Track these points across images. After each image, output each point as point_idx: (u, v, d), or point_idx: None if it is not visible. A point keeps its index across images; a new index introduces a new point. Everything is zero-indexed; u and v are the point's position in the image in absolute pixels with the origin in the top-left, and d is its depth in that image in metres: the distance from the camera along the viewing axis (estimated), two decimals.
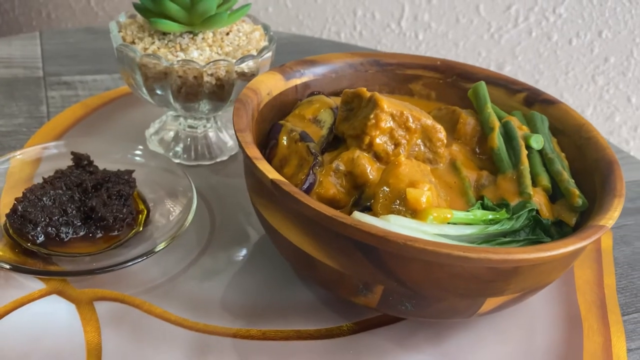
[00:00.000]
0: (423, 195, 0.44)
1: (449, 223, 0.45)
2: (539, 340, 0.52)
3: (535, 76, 1.32)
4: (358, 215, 0.44)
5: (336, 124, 0.55)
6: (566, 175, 0.52)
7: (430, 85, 0.66)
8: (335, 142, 0.55)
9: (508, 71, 1.32)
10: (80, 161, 0.58)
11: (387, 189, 0.46)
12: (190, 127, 0.67)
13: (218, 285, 0.53)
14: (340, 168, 0.51)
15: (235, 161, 0.69)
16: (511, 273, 0.43)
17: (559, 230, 0.50)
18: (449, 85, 0.65)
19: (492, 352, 0.51)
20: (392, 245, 0.41)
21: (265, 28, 0.67)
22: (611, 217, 0.46)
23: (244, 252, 0.57)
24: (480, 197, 0.51)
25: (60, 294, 0.51)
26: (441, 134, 0.52)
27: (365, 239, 0.42)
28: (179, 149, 0.67)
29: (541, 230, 0.49)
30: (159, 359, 0.47)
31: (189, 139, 0.68)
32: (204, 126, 0.68)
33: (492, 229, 0.46)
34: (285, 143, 0.54)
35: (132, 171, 0.58)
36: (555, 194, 0.53)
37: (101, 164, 0.60)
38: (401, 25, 1.36)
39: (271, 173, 0.45)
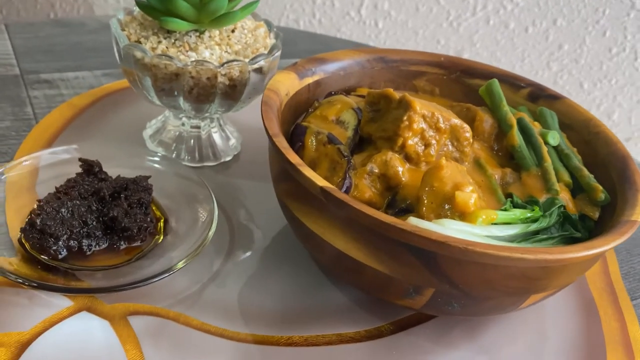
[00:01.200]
0: (471, 198, 0.45)
1: (492, 223, 0.46)
2: (563, 329, 0.54)
3: (492, 63, 1.35)
4: (414, 221, 0.44)
5: (361, 125, 0.54)
6: (586, 170, 0.54)
7: (434, 81, 0.67)
8: (359, 143, 0.55)
9: (466, 58, 1.35)
10: (92, 168, 0.55)
11: (433, 192, 0.46)
12: (194, 127, 0.65)
13: (249, 292, 0.53)
14: (375, 170, 0.51)
15: (238, 161, 0.68)
16: (558, 270, 0.45)
17: (584, 225, 0.52)
18: (453, 82, 0.66)
19: (524, 344, 0.52)
20: (453, 250, 0.41)
21: (268, 24, 0.65)
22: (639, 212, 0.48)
23: (268, 255, 0.57)
24: (508, 195, 0.52)
25: (91, 310, 0.48)
26: (468, 133, 0.53)
27: (423, 245, 0.42)
28: (182, 150, 0.65)
29: (570, 226, 0.51)
30: None
31: (192, 140, 0.66)
32: (208, 126, 0.66)
33: (533, 227, 0.48)
34: (312, 145, 0.53)
35: (149, 177, 0.56)
36: (573, 188, 0.55)
37: (105, 169, 0.58)
38: (361, 14, 1.36)
39: (320, 180, 0.45)
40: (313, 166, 0.52)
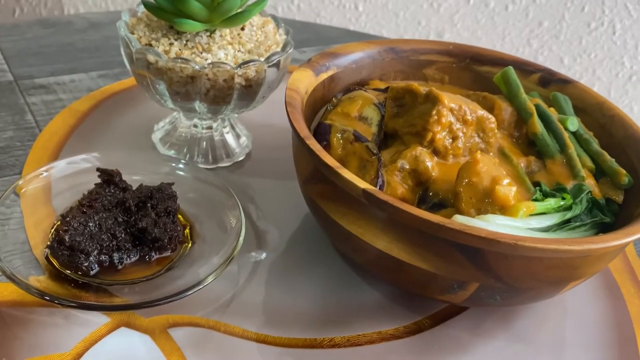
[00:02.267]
0: (511, 191, 0.46)
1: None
2: (590, 311, 0.55)
3: (473, 42, 1.36)
4: (461, 219, 0.44)
5: (386, 121, 0.54)
6: (607, 155, 0.55)
7: (443, 69, 0.67)
8: (384, 138, 0.55)
9: (447, 39, 1.36)
10: (112, 178, 0.54)
11: (471, 188, 0.46)
12: (207, 128, 0.64)
13: (285, 296, 0.52)
14: (405, 166, 0.50)
15: (250, 159, 0.67)
16: (598, 257, 0.46)
17: (609, 208, 0.53)
18: (462, 69, 0.66)
19: (555, 328, 0.53)
20: (502, 246, 0.41)
21: (275, 20, 0.64)
22: None
23: (295, 255, 0.56)
24: (535, 183, 0.52)
25: (129, 325, 0.47)
26: (493, 124, 0.53)
27: (472, 242, 0.42)
28: (195, 152, 0.64)
29: (598, 211, 0.52)
30: None
31: (204, 142, 0.64)
32: (220, 126, 0.65)
33: (568, 216, 0.48)
34: (339, 144, 0.53)
35: (172, 184, 0.55)
36: (595, 173, 0.55)
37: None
38: None
39: (361, 182, 0.45)
40: (342, 165, 0.52)
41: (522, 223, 0.45)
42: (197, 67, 0.54)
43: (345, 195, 0.46)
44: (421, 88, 0.53)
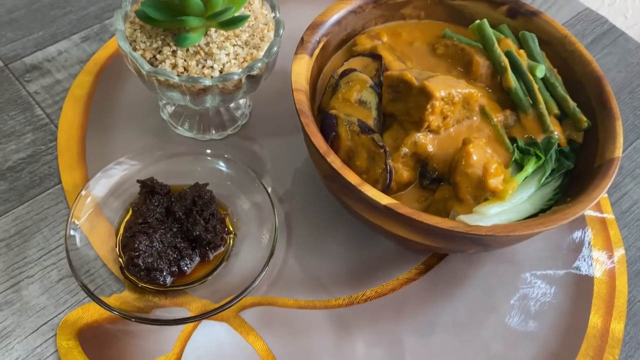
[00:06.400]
0: (500, 180, 0.56)
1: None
2: None
3: None
4: (464, 218, 0.55)
5: (384, 105, 0.62)
6: (570, 100, 0.64)
7: (419, 7, 0.71)
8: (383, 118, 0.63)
9: None
10: (154, 188, 0.62)
11: (467, 179, 0.57)
12: None
13: (319, 263, 0.64)
14: (407, 152, 0.60)
15: (252, 117, 0.73)
16: None
17: (572, 148, 0.64)
18: (436, 4, 0.71)
19: (528, 248, 0.68)
20: (499, 237, 0.53)
21: None
22: (619, 146, 0.60)
23: (318, 220, 0.67)
24: (512, 139, 0.62)
25: (209, 317, 0.60)
26: (475, 95, 0.61)
27: (474, 236, 0.54)
28: (208, 125, 0.70)
29: (564, 158, 0.63)
30: (320, 342, 0.59)
31: (212, 114, 0.70)
32: None
33: (543, 180, 0.60)
34: (347, 136, 0.60)
35: (207, 184, 0.63)
36: (559, 116, 0.65)
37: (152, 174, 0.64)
38: None
39: (383, 199, 0.54)
40: (352, 155, 0.60)
41: (510, 205, 0.57)
42: (208, 82, 0.59)
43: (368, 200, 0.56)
44: (414, 79, 0.59)
